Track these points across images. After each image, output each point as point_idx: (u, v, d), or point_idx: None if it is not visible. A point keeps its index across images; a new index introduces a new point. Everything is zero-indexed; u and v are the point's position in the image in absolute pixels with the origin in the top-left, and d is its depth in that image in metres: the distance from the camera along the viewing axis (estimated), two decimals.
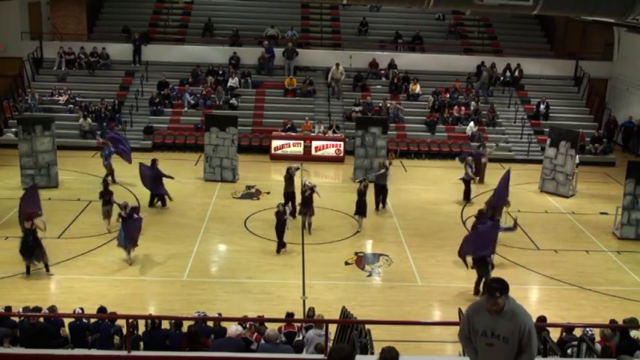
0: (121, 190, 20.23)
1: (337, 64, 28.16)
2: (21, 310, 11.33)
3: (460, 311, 11.95)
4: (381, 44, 31.11)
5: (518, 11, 19.50)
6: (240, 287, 14.90)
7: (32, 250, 14.86)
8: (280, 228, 16.45)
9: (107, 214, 17.44)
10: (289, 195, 18.46)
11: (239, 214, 19.38)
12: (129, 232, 15.59)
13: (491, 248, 15.18)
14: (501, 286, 5.79)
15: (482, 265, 14.75)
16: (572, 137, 22.06)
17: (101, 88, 28.04)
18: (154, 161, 19.54)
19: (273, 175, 23.62)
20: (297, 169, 19.46)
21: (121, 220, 15.79)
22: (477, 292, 14.69)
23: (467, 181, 20.97)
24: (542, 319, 11.18)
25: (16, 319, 11.13)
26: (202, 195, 20.86)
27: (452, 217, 19.69)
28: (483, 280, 14.41)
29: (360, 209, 18.33)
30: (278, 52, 29.46)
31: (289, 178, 18.63)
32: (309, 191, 17.58)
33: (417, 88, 28.65)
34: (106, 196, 17.50)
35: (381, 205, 19.95)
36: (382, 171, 19.77)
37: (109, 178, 20.73)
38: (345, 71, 28.34)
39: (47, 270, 15.04)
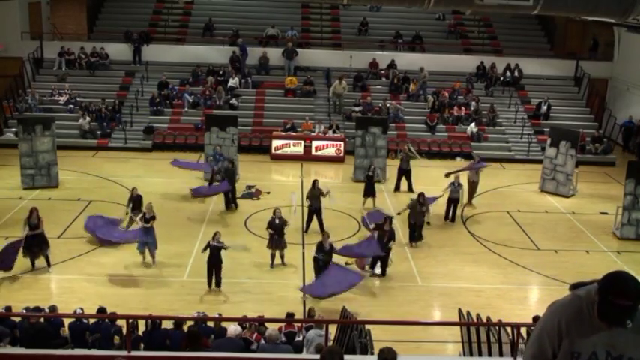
0: (122, 192, 20.31)
1: (340, 79, 27.60)
2: (24, 310, 11.33)
3: (460, 311, 11.97)
4: (381, 44, 31.10)
5: (519, 11, 19.51)
6: (241, 287, 14.89)
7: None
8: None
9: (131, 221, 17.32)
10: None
11: (239, 214, 19.39)
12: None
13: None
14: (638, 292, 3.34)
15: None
16: (573, 137, 22.08)
17: (101, 88, 28.03)
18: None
19: (273, 175, 23.65)
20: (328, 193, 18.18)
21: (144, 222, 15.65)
22: None
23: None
24: (538, 319, 11.16)
25: (17, 319, 11.13)
26: None
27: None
28: None
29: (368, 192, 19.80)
30: (277, 52, 29.48)
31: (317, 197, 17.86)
32: (279, 220, 15.83)
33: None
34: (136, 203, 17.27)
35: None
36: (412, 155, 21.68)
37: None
38: (347, 86, 27.70)
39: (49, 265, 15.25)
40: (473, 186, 20.83)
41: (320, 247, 14.68)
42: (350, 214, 19.25)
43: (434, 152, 26.16)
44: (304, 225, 18.00)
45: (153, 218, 15.62)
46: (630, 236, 18.73)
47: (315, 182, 18.27)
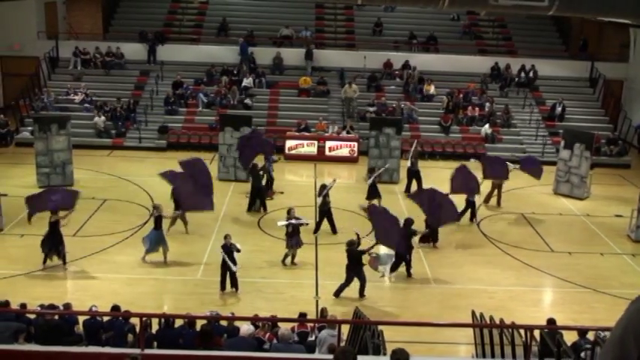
0: (136, 190, 20.40)
1: (350, 83, 27.53)
2: (39, 307, 11.41)
3: (473, 313, 11.93)
4: (396, 45, 31.06)
5: (534, 12, 19.43)
6: (254, 287, 14.92)
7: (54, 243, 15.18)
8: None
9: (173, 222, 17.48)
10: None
11: (253, 213, 19.42)
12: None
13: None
14: None
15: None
16: (587, 139, 21.92)
17: (116, 87, 28.20)
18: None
19: (287, 175, 23.66)
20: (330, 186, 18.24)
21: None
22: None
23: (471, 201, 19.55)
24: (551, 321, 11.11)
25: (31, 316, 11.21)
26: (216, 194, 20.69)
27: (466, 218, 19.56)
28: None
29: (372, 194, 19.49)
30: (291, 52, 29.49)
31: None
32: (295, 219, 15.95)
33: (432, 89, 28.59)
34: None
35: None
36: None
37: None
38: (357, 89, 27.63)
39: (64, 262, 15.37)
40: (494, 186, 20.76)
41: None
42: (362, 215, 19.19)
43: (448, 153, 26.08)
44: (315, 226, 18.00)
45: (160, 218, 15.84)
46: None
47: (323, 186, 18.30)
